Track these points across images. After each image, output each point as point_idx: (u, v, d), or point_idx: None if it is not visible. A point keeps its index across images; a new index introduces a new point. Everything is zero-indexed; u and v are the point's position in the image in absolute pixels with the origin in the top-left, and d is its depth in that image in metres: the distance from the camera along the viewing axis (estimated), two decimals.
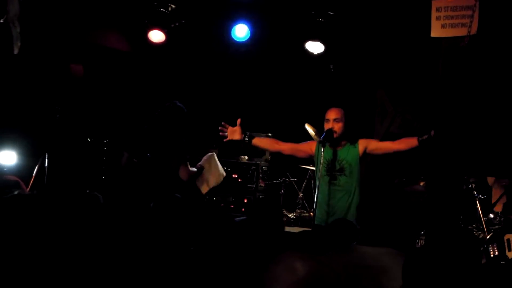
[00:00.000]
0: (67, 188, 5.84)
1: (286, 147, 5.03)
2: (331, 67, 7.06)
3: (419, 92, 6.84)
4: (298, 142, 5.10)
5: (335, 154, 4.78)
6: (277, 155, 7.14)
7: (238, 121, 4.96)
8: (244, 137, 4.97)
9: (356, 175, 4.73)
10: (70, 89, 6.29)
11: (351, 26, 6.27)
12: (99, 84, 6.76)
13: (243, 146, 5.07)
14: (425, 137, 4.57)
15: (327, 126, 4.75)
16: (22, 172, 5.19)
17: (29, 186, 5.01)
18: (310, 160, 5.34)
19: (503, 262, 4.52)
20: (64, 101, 6.04)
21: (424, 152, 4.69)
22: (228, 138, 5.00)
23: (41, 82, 6.10)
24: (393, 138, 5.03)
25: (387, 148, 4.80)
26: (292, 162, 6.66)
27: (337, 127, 4.72)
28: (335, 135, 4.70)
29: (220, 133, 5.01)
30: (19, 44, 4.73)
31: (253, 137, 5.00)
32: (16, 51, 4.76)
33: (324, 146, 4.65)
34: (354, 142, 4.79)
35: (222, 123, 5.02)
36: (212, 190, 5.64)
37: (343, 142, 4.79)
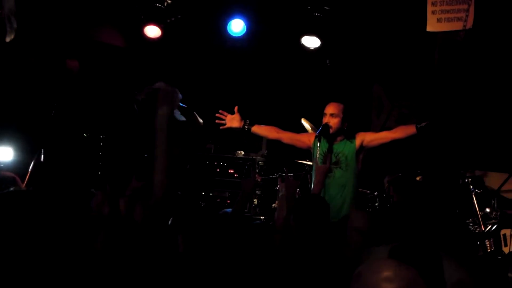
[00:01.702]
0: (63, 184, 5.83)
1: (285, 136, 5.02)
2: (327, 61, 7.04)
3: (415, 87, 6.83)
4: None
5: (331, 147, 4.76)
6: (274, 150, 7.16)
7: (236, 108, 4.95)
8: (244, 124, 4.96)
9: (352, 169, 4.72)
10: (65, 84, 6.27)
11: (347, 20, 6.26)
12: (95, 80, 6.74)
13: (243, 133, 5.05)
14: (423, 124, 4.52)
15: (324, 120, 4.74)
16: (18, 168, 5.18)
17: (25, 182, 4.99)
18: (307, 155, 5.33)
19: (500, 257, 4.52)
20: (60, 96, 6.03)
21: (421, 142, 4.65)
22: (226, 126, 4.99)
23: (37, 78, 6.08)
24: None
25: (384, 138, 4.78)
26: (288, 157, 6.66)
27: (333, 122, 4.70)
28: (331, 131, 4.69)
29: (217, 121, 5.00)
30: (12, 36, 4.70)
31: (253, 124, 4.99)
32: (7, 40, 4.72)
33: (320, 141, 4.64)
34: (351, 136, 4.78)
35: (220, 111, 5.00)
36: (209, 186, 5.62)
37: (340, 137, 4.78)
